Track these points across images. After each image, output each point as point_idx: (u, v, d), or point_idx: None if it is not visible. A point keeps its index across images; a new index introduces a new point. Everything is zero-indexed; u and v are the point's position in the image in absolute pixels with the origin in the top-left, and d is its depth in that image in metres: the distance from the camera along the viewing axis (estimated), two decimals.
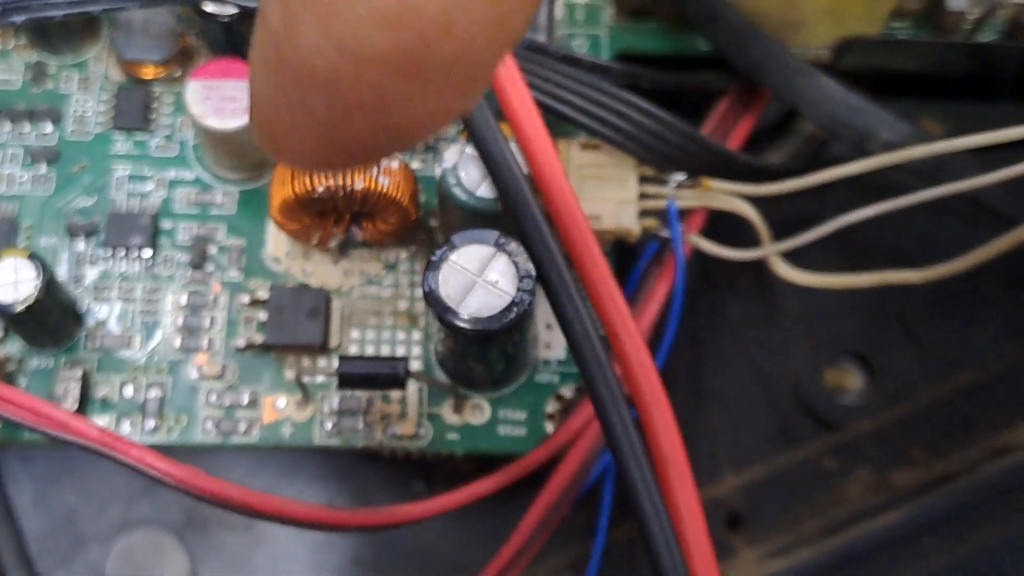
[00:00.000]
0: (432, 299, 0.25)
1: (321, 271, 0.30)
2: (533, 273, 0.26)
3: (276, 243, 0.30)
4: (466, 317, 0.25)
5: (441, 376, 0.29)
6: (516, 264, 0.26)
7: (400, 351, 0.29)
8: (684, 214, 0.31)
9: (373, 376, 0.27)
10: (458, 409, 0.29)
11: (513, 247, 0.26)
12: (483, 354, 0.27)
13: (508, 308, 0.25)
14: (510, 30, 0.14)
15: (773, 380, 0.36)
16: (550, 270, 0.26)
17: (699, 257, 0.32)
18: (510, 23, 0.14)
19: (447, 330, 0.26)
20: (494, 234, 0.26)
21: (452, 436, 0.29)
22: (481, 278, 0.26)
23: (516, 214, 0.26)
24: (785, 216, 0.33)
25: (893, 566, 0.30)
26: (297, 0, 0.14)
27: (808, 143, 0.34)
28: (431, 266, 0.25)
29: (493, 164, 0.26)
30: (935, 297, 0.36)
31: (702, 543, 0.26)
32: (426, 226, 0.30)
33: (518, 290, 0.25)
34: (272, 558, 0.34)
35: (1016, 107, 0.35)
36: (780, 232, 0.32)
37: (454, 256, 0.26)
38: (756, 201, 0.35)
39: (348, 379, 0.27)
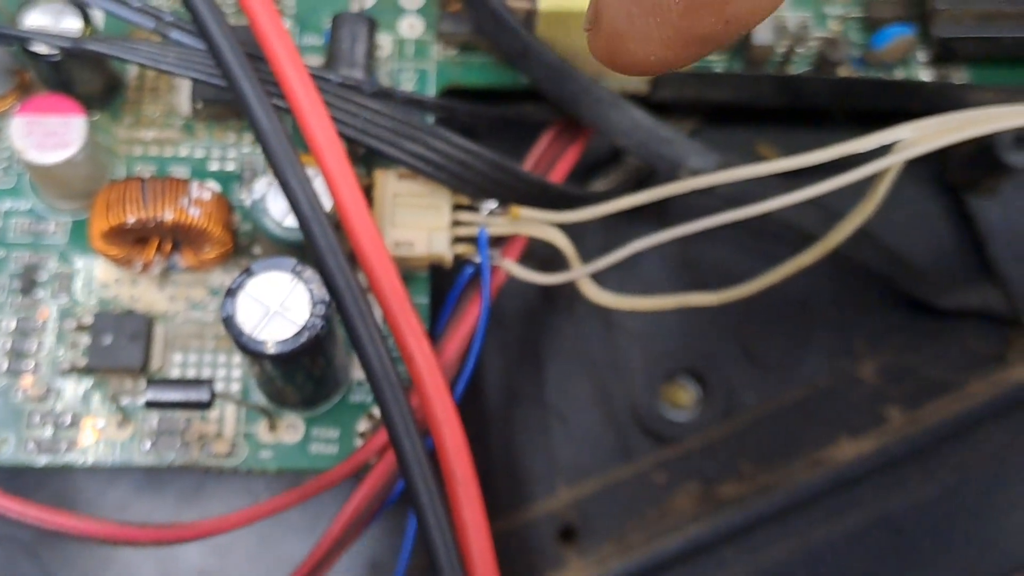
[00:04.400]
0: (229, 325, 0.27)
1: (148, 297, 0.31)
2: (327, 299, 0.27)
3: (105, 271, 0.31)
4: (260, 341, 0.27)
5: (259, 397, 0.31)
6: (311, 291, 0.27)
7: (221, 373, 0.31)
8: (503, 240, 0.33)
9: (179, 400, 0.28)
10: (272, 428, 0.30)
11: (309, 274, 0.27)
12: (289, 376, 0.28)
13: (300, 333, 0.27)
14: None
15: (612, 397, 0.37)
16: (344, 296, 0.27)
17: None
18: None
19: (245, 354, 0.27)
20: (292, 262, 0.27)
21: (266, 454, 0.30)
22: (277, 304, 0.27)
23: (312, 243, 0.28)
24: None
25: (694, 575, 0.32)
26: None
27: (636, 172, 0.36)
28: (229, 293, 0.27)
29: (292, 196, 0.28)
30: (771, 316, 0.38)
31: (486, 558, 0.27)
32: (251, 253, 0.32)
33: (311, 315, 0.27)
34: (121, 574, 0.36)
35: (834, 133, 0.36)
36: None
37: (252, 283, 0.27)
38: (591, 228, 0.37)
39: (156, 403, 0.28)
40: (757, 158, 0.39)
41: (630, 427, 0.37)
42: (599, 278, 0.37)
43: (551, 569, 0.35)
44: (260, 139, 0.28)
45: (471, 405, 0.37)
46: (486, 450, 0.37)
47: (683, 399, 0.37)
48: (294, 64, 0.28)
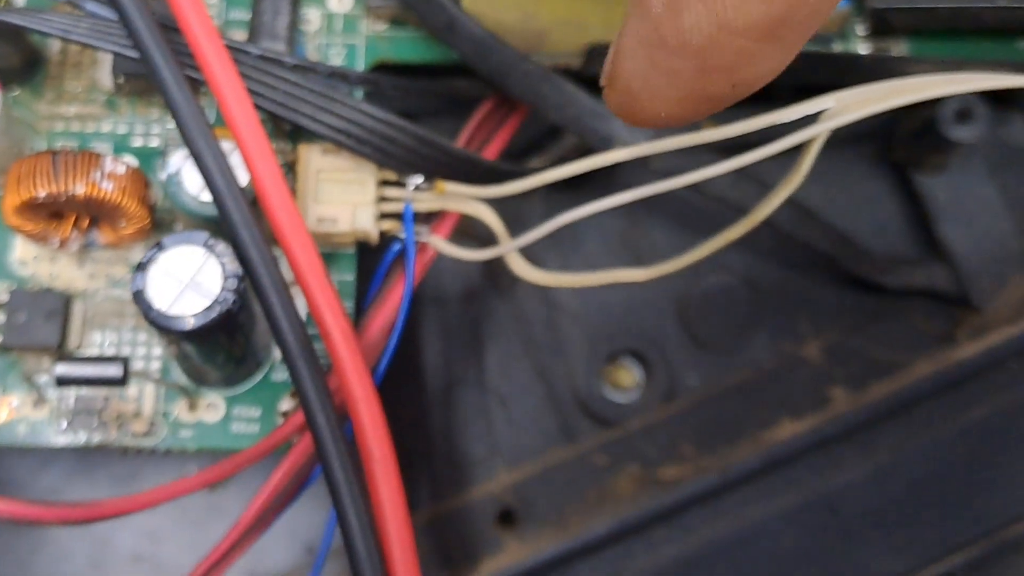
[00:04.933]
0: (139, 300, 0.26)
1: (67, 274, 0.31)
2: (240, 273, 0.27)
3: (23, 248, 0.31)
4: (171, 316, 0.26)
5: (179, 376, 0.30)
6: (223, 265, 0.27)
7: (141, 352, 0.30)
8: (432, 216, 0.32)
9: (91, 376, 0.28)
10: (192, 407, 0.30)
11: (221, 248, 0.27)
12: (205, 353, 0.28)
13: (211, 307, 0.26)
14: None
15: (554, 379, 0.36)
16: (257, 270, 0.27)
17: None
18: None
19: (156, 330, 0.27)
20: (204, 235, 0.27)
21: (186, 434, 0.30)
22: (188, 279, 0.26)
23: (225, 216, 0.27)
24: None
25: (625, 556, 0.31)
26: None
27: (575, 150, 0.35)
28: (139, 267, 0.26)
29: (205, 169, 0.28)
30: (716, 298, 0.37)
31: (403, 536, 0.26)
32: (173, 229, 0.31)
33: (223, 290, 0.26)
34: (54, 558, 0.35)
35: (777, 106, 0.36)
36: None
37: (163, 257, 0.27)
38: (532, 207, 0.37)
39: (67, 380, 0.28)
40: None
41: (571, 409, 0.36)
42: (540, 258, 0.37)
43: (488, 552, 0.34)
44: (172, 110, 0.27)
45: (410, 388, 0.36)
46: (426, 434, 0.36)
47: (625, 381, 0.36)
48: (208, 34, 0.28)
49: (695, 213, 0.38)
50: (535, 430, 0.36)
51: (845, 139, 0.36)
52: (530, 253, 0.33)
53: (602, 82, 0.21)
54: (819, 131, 0.28)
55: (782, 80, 0.35)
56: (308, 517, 0.35)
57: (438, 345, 0.37)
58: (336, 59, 0.33)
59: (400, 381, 0.36)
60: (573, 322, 0.37)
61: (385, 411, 0.36)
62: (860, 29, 0.34)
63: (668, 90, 0.20)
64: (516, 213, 0.36)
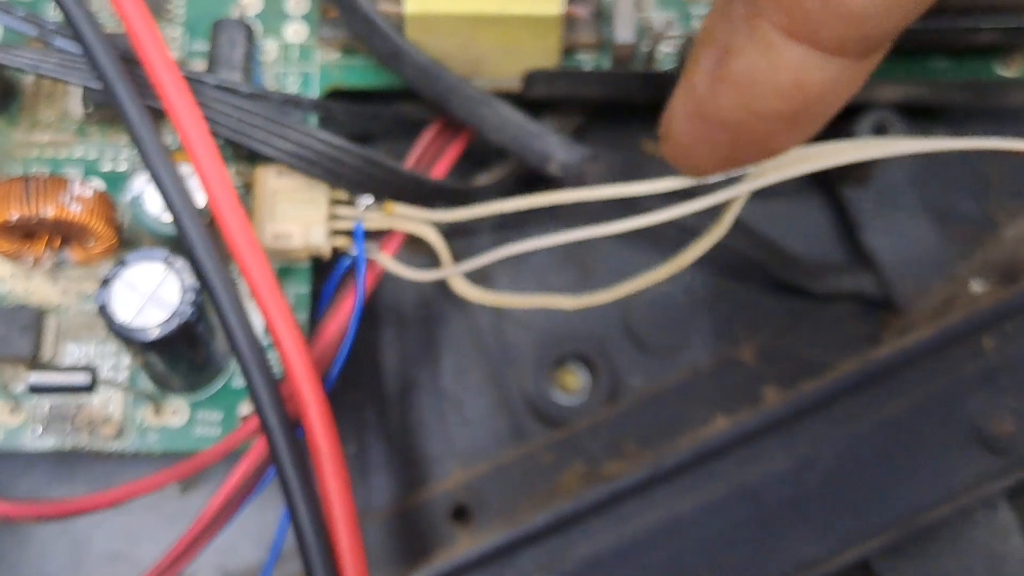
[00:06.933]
0: (103, 313, 0.29)
1: (42, 290, 0.33)
2: (197, 287, 0.29)
3: (1, 266, 0.33)
4: (133, 328, 0.28)
5: (146, 383, 0.33)
6: (182, 280, 0.29)
7: (111, 362, 0.33)
8: (381, 235, 0.34)
9: (61, 383, 0.30)
10: (158, 412, 0.32)
11: (180, 264, 0.29)
12: (168, 362, 0.30)
13: (170, 319, 0.29)
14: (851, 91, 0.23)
15: (505, 383, 0.39)
16: (213, 283, 0.29)
17: None
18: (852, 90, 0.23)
19: (121, 341, 0.29)
20: (164, 252, 0.29)
21: (152, 437, 0.32)
22: (150, 293, 0.29)
23: (183, 234, 0.30)
24: None
25: (565, 544, 0.33)
26: (721, 77, 0.23)
27: (520, 167, 0.37)
28: (104, 283, 0.29)
29: (164, 192, 0.30)
30: (658, 303, 0.40)
31: (351, 530, 0.29)
32: (138, 248, 0.34)
33: (181, 303, 0.29)
34: (36, 556, 0.37)
35: None
36: None
37: (126, 273, 0.29)
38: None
39: (39, 387, 0.30)
40: (643, 154, 0.41)
41: (521, 411, 0.38)
42: (490, 271, 0.39)
43: (443, 546, 0.37)
44: (133, 138, 0.30)
45: (370, 393, 0.39)
46: (386, 435, 0.39)
47: (572, 384, 0.38)
48: (166, 67, 0.30)
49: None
50: (487, 431, 0.38)
51: None
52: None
53: (659, 133, 0.26)
54: (740, 192, 0.31)
55: None
56: (276, 517, 0.38)
57: (396, 351, 0.39)
58: (292, 87, 0.35)
59: (360, 386, 0.39)
60: (522, 329, 0.39)
61: (346, 414, 0.39)
62: None
63: (709, 152, 0.25)
64: (464, 227, 0.38)
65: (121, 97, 0.30)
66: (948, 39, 0.36)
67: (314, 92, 0.35)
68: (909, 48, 0.36)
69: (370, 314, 0.39)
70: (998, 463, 0.32)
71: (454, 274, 0.34)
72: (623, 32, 0.35)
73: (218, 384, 0.33)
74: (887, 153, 0.33)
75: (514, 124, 0.34)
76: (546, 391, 0.38)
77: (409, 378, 0.39)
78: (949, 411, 0.33)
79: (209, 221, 0.30)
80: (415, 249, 0.36)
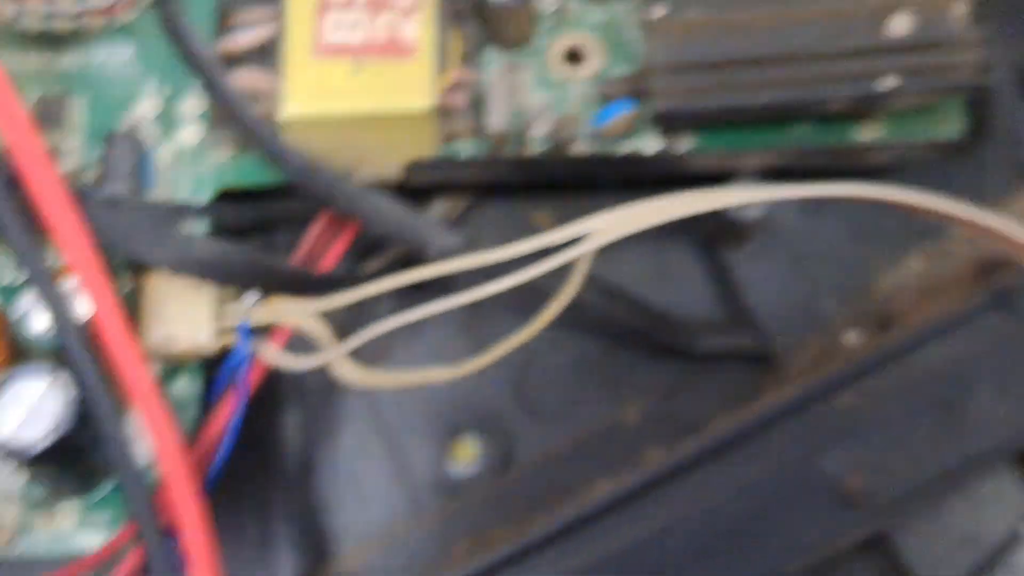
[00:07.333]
0: None
1: None
2: (79, 399, 0.31)
3: None
4: (15, 444, 0.30)
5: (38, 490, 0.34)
6: (65, 393, 0.31)
7: (7, 470, 0.34)
8: (268, 330, 0.36)
9: None
10: (50, 517, 0.34)
11: (64, 378, 0.31)
12: (54, 471, 0.32)
13: (50, 433, 0.30)
14: None
15: (404, 455, 0.41)
16: (95, 396, 0.31)
17: None
18: None
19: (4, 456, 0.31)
20: (47, 367, 0.31)
21: (43, 541, 0.34)
22: (33, 407, 0.30)
23: (66, 348, 0.31)
24: None
25: None
26: None
27: (408, 251, 0.39)
28: None
29: (49, 309, 0.31)
30: (549, 370, 0.42)
31: None
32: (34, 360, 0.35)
33: (62, 416, 0.30)
34: None
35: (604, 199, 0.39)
36: None
37: (11, 387, 0.31)
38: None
39: None
40: (532, 227, 0.42)
41: (418, 484, 0.40)
42: (386, 347, 0.41)
43: None
44: (17, 258, 0.31)
45: (270, 472, 0.40)
46: (287, 517, 0.40)
47: (466, 454, 0.40)
48: (50, 190, 0.32)
49: (529, 298, 0.42)
50: (385, 505, 0.40)
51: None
52: (376, 342, 0.37)
53: None
54: (584, 251, 0.32)
55: (579, 179, 0.39)
56: None
57: (298, 429, 0.41)
58: (184, 189, 0.37)
59: (265, 466, 0.40)
60: (420, 402, 0.41)
61: (248, 496, 0.40)
62: (650, 128, 0.38)
63: None
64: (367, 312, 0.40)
65: (3, 218, 0.31)
66: (806, 108, 0.38)
67: (207, 193, 0.37)
68: (770, 118, 0.38)
69: (273, 393, 0.41)
70: (852, 517, 0.34)
71: (335, 357, 0.35)
72: (496, 121, 0.37)
73: (108, 486, 0.34)
74: (738, 202, 0.35)
75: (394, 215, 0.36)
76: (441, 463, 0.40)
77: (310, 456, 0.41)
78: (808, 469, 0.35)
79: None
80: None
